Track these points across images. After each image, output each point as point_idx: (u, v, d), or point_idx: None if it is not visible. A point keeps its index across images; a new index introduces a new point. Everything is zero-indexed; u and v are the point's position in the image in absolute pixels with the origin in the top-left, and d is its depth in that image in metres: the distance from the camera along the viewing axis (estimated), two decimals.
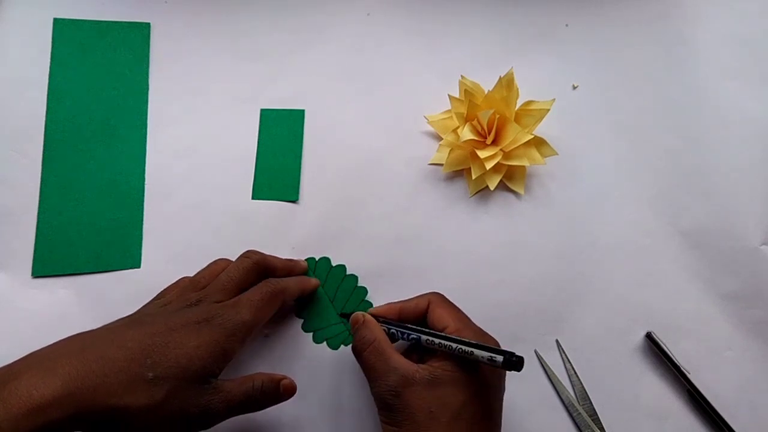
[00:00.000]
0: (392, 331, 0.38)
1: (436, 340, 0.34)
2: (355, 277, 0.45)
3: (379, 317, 0.39)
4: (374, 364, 0.35)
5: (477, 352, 0.32)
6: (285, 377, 0.38)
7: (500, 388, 0.36)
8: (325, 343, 0.44)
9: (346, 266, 0.45)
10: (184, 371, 0.32)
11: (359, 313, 0.39)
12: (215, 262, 0.41)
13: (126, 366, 0.31)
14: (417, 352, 0.38)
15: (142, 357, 0.32)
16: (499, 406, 0.36)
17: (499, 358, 0.31)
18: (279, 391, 0.37)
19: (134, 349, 0.32)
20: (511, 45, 0.50)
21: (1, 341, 0.43)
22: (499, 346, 0.36)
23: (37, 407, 0.28)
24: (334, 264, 0.45)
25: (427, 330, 0.36)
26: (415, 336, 0.36)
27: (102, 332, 0.34)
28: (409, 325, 0.37)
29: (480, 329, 0.37)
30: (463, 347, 0.33)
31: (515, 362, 0.31)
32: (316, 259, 0.45)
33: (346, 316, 0.42)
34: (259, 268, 0.40)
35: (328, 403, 0.43)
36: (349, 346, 0.40)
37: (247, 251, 0.41)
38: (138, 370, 0.31)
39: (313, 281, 0.44)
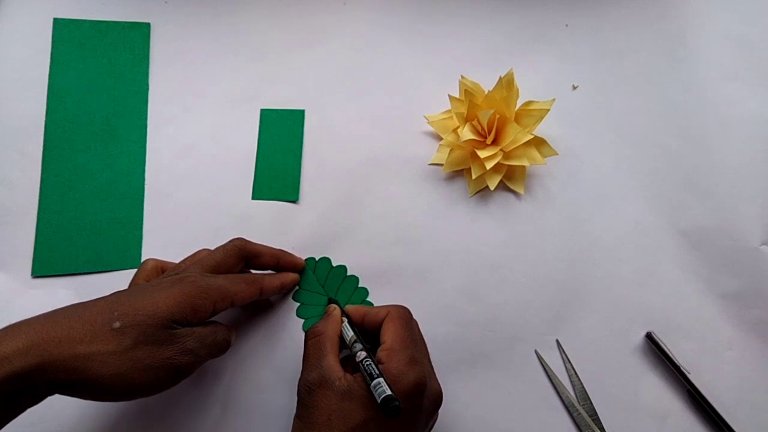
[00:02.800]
0: (346, 339, 0.38)
1: (360, 357, 0.35)
2: (356, 278, 0.45)
3: (349, 317, 0.40)
4: (310, 354, 0.37)
5: (371, 379, 0.33)
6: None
7: (399, 427, 0.34)
8: None
9: (347, 266, 0.45)
10: (150, 317, 0.32)
11: (332, 306, 0.41)
12: (197, 251, 0.41)
13: (92, 318, 0.32)
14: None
15: (109, 311, 0.32)
16: None
17: (380, 395, 0.32)
18: (232, 334, 0.39)
19: (101, 305, 0.33)
20: (511, 45, 0.50)
21: None
22: (421, 384, 0.34)
23: (1, 357, 0.28)
24: (334, 264, 0.45)
25: (360, 344, 0.36)
26: (351, 346, 0.37)
27: (73, 304, 0.34)
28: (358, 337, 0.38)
29: (414, 358, 0.35)
30: (366, 371, 0.34)
31: (390, 408, 0.31)
32: (316, 259, 0.45)
33: (331, 301, 0.44)
34: (241, 253, 0.40)
35: None
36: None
37: (234, 238, 0.41)
38: (104, 320, 0.32)
39: (292, 275, 0.44)
